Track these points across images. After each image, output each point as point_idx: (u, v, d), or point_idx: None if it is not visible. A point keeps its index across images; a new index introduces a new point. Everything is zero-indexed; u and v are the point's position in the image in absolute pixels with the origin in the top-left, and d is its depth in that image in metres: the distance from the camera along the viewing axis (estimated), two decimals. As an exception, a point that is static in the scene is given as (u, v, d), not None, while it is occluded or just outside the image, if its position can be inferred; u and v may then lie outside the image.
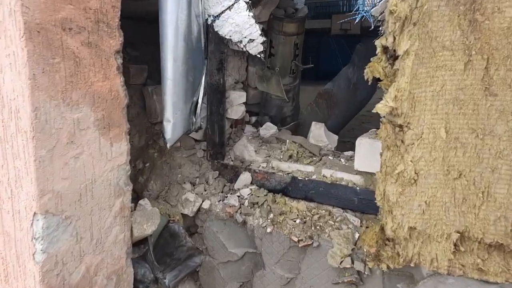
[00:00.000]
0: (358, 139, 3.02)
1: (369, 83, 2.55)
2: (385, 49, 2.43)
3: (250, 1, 2.83)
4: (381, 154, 2.52)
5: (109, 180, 2.49)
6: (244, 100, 3.68)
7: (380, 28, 2.55)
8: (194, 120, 3.02)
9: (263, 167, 3.47)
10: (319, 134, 3.54)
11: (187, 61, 2.77)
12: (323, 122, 4.36)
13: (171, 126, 2.78)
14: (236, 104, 3.68)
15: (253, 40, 2.88)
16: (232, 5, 2.84)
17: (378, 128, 3.40)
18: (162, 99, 2.80)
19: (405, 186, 2.31)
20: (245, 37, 2.89)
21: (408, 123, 2.27)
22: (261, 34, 2.87)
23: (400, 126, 2.34)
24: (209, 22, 2.93)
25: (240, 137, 3.88)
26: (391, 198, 2.35)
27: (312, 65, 3.78)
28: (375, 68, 2.45)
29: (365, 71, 2.47)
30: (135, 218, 2.82)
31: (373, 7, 2.34)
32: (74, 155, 2.04)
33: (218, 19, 2.89)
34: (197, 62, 2.96)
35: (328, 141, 3.56)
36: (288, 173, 3.27)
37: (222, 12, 2.87)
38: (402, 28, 2.19)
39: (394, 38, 2.24)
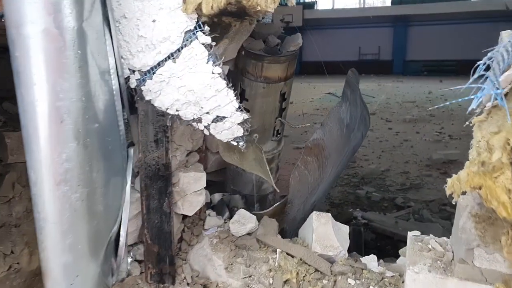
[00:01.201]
0: (408, 271, 1.77)
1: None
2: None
3: (212, 42, 1.42)
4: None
5: None
6: (204, 185, 2.28)
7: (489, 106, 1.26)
8: (115, 266, 1.58)
9: (242, 302, 2.10)
10: (327, 235, 2.24)
11: (88, 181, 1.32)
12: (314, 187, 3.07)
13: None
14: (191, 192, 2.26)
15: (224, 118, 1.48)
16: (178, 50, 1.42)
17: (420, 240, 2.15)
18: (39, 251, 1.33)
19: None
20: (208, 113, 1.48)
21: None
22: (239, 107, 1.47)
23: None
24: (133, 84, 1.49)
25: (198, 236, 2.47)
26: None
27: (309, 124, 2.44)
28: (492, 193, 1.19)
29: (450, 189, 1.24)
30: None
31: (502, 73, 1.05)
32: None
33: (151, 78, 1.45)
34: (114, 159, 1.51)
35: (338, 242, 2.26)
36: (285, 315, 1.94)
37: (158, 65, 1.44)
38: None
39: None
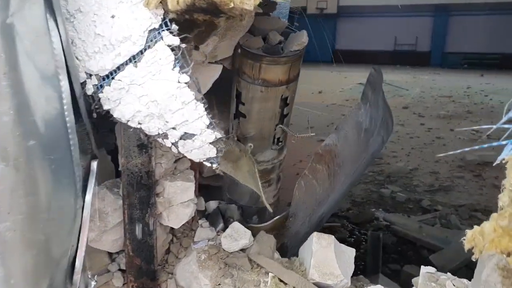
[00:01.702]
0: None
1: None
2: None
3: (181, 44, 1.17)
4: None
5: None
6: (192, 196, 2.05)
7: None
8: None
9: (226, 330, 1.89)
10: (327, 260, 1.97)
11: (22, 208, 1.11)
12: (323, 198, 2.80)
13: None
14: (177, 203, 2.05)
15: (193, 135, 1.24)
16: (141, 53, 1.18)
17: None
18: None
19: None
20: (174, 129, 1.24)
21: None
22: (210, 124, 1.23)
23: None
24: (90, 90, 1.26)
25: (187, 249, 2.26)
26: None
27: (314, 134, 2.17)
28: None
29: (470, 243, 0.96)
30: None
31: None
32: None
33: (109, 84, 1.22)
34: (60, 179, 1.29)
35: (340, 269, 1.99)
36: None
37: (118, 69, 1.20)
38: None
39: None
